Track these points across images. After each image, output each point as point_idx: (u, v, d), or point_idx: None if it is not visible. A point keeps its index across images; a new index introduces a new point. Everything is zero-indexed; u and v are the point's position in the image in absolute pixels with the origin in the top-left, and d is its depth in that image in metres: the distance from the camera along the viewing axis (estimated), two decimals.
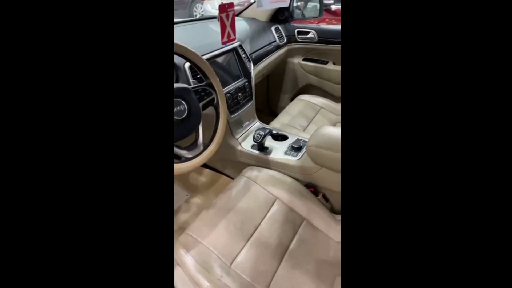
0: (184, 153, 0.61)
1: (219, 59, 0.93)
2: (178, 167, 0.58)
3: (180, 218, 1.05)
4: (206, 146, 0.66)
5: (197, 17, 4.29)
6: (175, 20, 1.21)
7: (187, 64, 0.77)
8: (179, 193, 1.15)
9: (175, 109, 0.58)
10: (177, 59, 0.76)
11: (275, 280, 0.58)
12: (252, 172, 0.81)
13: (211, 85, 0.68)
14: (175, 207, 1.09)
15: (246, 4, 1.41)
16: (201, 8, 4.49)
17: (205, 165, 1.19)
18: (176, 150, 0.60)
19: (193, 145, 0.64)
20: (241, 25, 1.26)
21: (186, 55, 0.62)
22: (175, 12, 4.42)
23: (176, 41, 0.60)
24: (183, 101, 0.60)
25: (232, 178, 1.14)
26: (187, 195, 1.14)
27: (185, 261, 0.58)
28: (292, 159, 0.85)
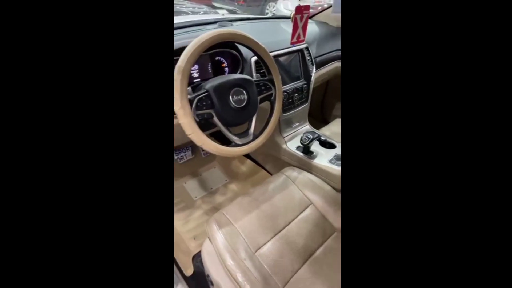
0: (235, 139, 0.66)
1: (284, 58, 0.95)
2: (227, 150, 0.63)
3: (216, 199, 1.13)
4: (255, 137, 0.69)
5: (268, 15, 4.41)
6: (249, 16, 1.28)
7: (254, 59, 0.82)
8: (219, 176, 1.23)
9: (236, 98, 0.63)
10: (245, 52, 0.81)
11: (294, 280, 0.59)
12: (292, 173, 0.82)
13: (272, 81, 0.71)
14: (214, 188, 1.17)
15: (320, 8, 1.40)
16: (273, 7, 4.60)
17: (248, 156, 1.24)
18: (229, 135, 0.65)
19: (244, 133, 0.69)
20: (311, 27, 1.26)
21: (255, 49, 0.67)
22: (248, 8, 4.63)
23: (249, 35, 0.65)
24: (244, 91, 0.64)
25: (271, 174, 1.16)
26: (226, 180, 1.21)
27: (216, 237, 0.63)
28: (335, 169, 0.83)
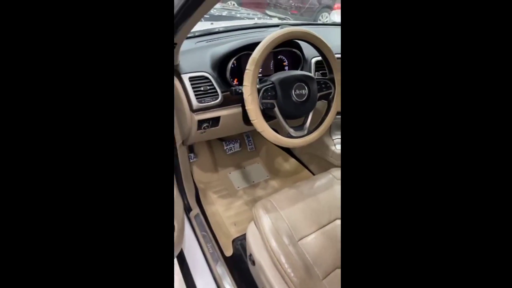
0: (291, 131, 0.70)
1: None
2: (284, 140, 0.67)
3: (257, 192, 1.18)
4: (310, 132, 0.72)
5: None
6: (310, 22, 1.32)
7: (314, 59, 0.85)
8: (261, 171, 1.28)
9: (297, 92, 0.67)
10: (307, 52, 0.85)
11: (334, 274, 0.59)
12: (339, 174, 0.82)
13: (332, 80, 0.74)
14: (255, 182, 1.22)
15: None
16: (326, 17, 4.59)
17: (292, 154, 1.27)
18: (285, 126, 0.69)
19: (299, 127, 0.72)
20: None
21: (322, 49, 0.70)
22: (301, 18, 4.69)
23: (318, 35, 0.69)
24: (306, 87, 0.68)
25: (313, 174, 1.17)
26: (267, 176, 1.25)
27: (263, 220, 0.67)
28: None
